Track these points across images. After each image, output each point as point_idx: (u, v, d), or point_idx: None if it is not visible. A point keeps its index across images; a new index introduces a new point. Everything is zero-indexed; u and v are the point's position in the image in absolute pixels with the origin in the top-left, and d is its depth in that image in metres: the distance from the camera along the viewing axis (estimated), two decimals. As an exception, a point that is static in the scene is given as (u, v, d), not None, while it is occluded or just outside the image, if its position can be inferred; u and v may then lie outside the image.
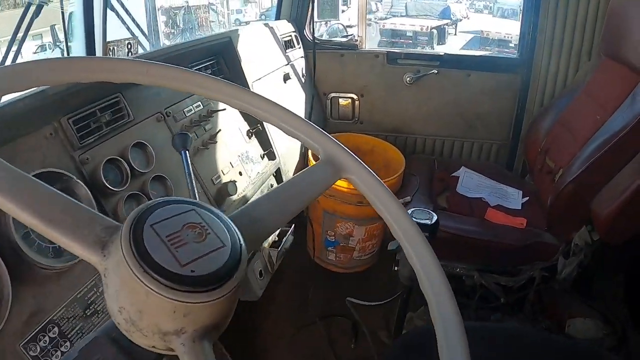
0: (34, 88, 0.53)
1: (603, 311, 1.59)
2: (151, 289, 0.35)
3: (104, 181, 0.94)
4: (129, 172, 1.01)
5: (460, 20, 12.37)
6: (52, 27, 2.99)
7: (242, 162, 1.39)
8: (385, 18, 11.36)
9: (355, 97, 2.32)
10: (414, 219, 0.58)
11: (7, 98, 0.81)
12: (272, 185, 1.52)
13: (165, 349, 0.39)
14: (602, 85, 1.70)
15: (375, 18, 10.75)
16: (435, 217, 1.07)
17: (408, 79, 2.22)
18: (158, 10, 7.13)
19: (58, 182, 0.87)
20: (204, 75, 0.55)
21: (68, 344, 0.78)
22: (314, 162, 1.69)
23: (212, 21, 9.29)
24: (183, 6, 8.11)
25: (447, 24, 11.34)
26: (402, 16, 11.59)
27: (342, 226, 1.88)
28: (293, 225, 1.62)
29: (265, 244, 1.46)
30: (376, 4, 11.67)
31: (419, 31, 10.45)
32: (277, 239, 1.52)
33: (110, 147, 1.02)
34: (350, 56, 2.27)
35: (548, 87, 2.11)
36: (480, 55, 2.71)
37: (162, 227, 0.38)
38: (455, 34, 11.76)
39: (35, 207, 0.37)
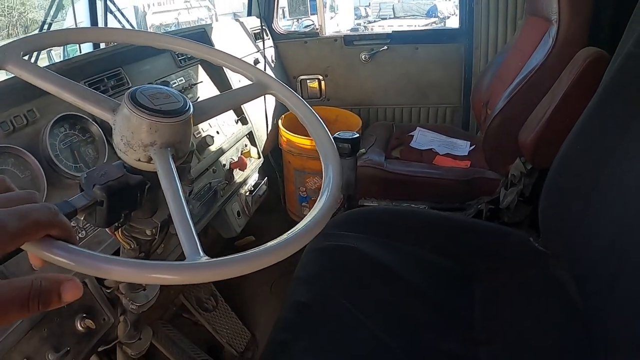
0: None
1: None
2: (140, 116, 0.56)
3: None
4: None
5: (448, 17, 12.56)
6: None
7: (218, 124, 1.70)
8: (374, 21, 11.63)
9: (320, 77, 2.62)
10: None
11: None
12: (246, 145, 1.84)
13: (146, 159, 0.59)
14: (526, 39, 1.92)
15: (364, 22, 11.03)
16: (356, 134, 1.36)
17: (364, 57, 2.51)
18: (150, 28, 7.56)
19: (79, 122, 1.18)
20: (187, 40, 0.83)
21: (83, 232, 1.10)
22: (284, 129, 2.04)
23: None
24: (174, 22, 8.51)
25: (434, 23, 11.57)
26: (390, 18, 11.85)
27: (311, 181, 2.16)
28: (266, 177, 1.94)
29: (242, 191, 1.78)
30: (365, 8, 11.94)
31: (406, 32, 10.67)
32: (252, 188, 1.84)
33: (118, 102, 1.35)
34: (313, 42, 2.58)
35: (490, 50, 2.36)
36: (426, 30, 3.01)
37: (148, 92, 0.59)
38: (443, 32, 11.92)
39: (76, 91, 0.63)
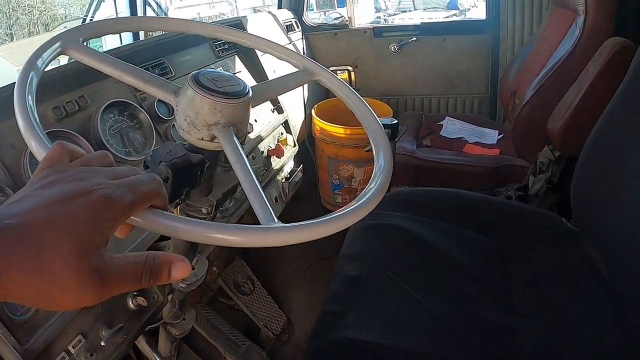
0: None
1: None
2: (204, 96, 0.59)
3: (157, 112, 1.31)
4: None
5: (469, 9, 12.41)
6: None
7: (256, 113, 1.76)
8: (395, 14, 11.55)
9: (350, 68, 2.68)
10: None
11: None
12: (282, 134, 1.90)
13: (209, 138, 0.62)
14: (552, 30, 1.95)
15: (384, 15, 10.97)
16: (395, 120, 1.41)
17: (393, 48, 2.57)
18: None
19: (127, 109, 1.24)
20: (236, 30, 0.87)
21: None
22: (317, 118, 2.10)
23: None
24: (196, 17, 8.59)
25: (455, 15, 11.46)
26: (410, 11, 11.75)
27: (344, 169, 2.22)
28: (301, 165, 2.00)
29: (279, 177, 1.84)
30: (384, 1, 11.86)
31: (427, 24, 10.59)
32: (289, 175, 1.90)
33: (160, 92, 1.41)
34: (343, 34, 2.64)
35: (516, 41, 2.40)
36: (453, 21, 3.04)
37: (210, 75, 0.64)
38: (466, 24, 11.80)
39: (139, 75, 0.67)
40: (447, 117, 2.37)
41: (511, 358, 0.90)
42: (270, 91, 0.79)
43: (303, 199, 2.37)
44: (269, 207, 0.54)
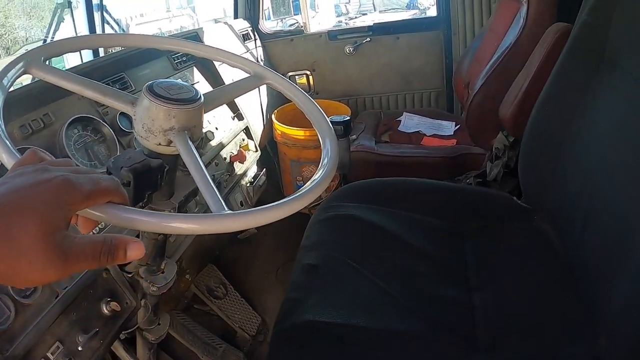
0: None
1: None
2: (158, 104, 0.64)
3: (120, 124, 1.35)
4: (135, 120, 1.45)
5: (429, 8, 12.52)
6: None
7: (217, 121, 1.80)
8: (355, 17, 11.61)
9: (308, 72, 2.73)
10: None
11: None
12: (243, 139, 1.94)
13: (166, 143, 0.66)
14: (499, 21, 2.02)
15: (345, 19, 11.04)
16: (347, 117, 1.47)
17: (348, 50, 2.63)
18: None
19: (90, 123, 1.29)
20: (190, 42, 0.93)
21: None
22: (278, 122, 2.15)
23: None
24: (157, 33, 8.54)
25: (414, 15, 11.56)
26: (371, 13, 11.84)
27: (307, 170, 2.27)
28: (265, 169, 2.05)
29: (243, 182, 1.88)
30: (345, 5, 11.94)
31: (388, 25, 10.69)
32: (252, 180, 1.95)
33: (122, 107, 1.45)
34: (299, 40, 2.69)
35: (468, 35, 2.49)
36: (405, 20, 3.10)
37: (163, 85, 0.66)
38: (425, 22, 11.93)
39: (98, 88, 0.71)
40: (405, 113, 2.43)
41: (466, 328, 0.96)
42: (223, 96, 0.84)
43: (269, 202, 2.41)
44: (220, 197, 0.59)
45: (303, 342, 0.91)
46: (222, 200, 0.59)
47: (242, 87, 0.88)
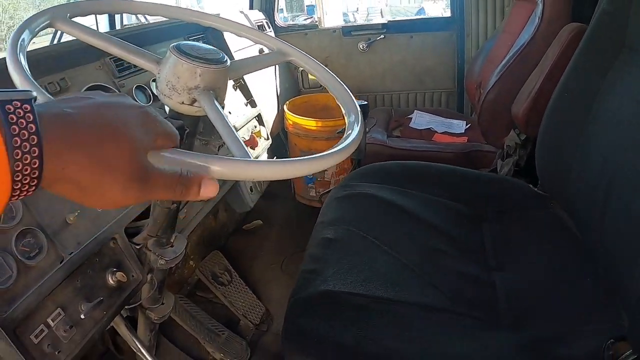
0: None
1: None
2: (186, 62, 0.62)
3: (135, 98, 1.34)
4: (151, 95, 1.42)
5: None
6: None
7: (231, 105, 1.80)
8: (363, 27, 11.65)
9: (321, 67, 2.74)
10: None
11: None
12: (255, 126, 1.94)
13: (189, 102, 0.65)
14: (514, 23, 2.03)
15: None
16: (365, 102, 1.47)
17: (361, 46, 2.64)
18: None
19: (106, 92, 1.27)
20: (213, 15, 0.92)
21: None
22: (290, 112, 2.14)
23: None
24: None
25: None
26: (378, 23, 11.90)
27: (317, 161, 2.25)
28: (275, 157, 2.04)
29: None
30: (353, 14, 12.04)
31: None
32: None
33: (138, 80, 1.40)
34: (313, 34, 2.71)
35: (480, 37, 2.50)
36: (419, 19, 3.12)
37: (190, 45, 0.67)
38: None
39: (123, 46, 0.71)
40: (416, 111, 2.43)
41: (489, 305, 0.95)
42: (247, 67, 0.83)
43: (277, 195, 2.41)
44: (248, 151, 0.58)
45: (322, 312, 0.90)
46: (250, 154, 0.58)
47: (265, 60, 0.88)
